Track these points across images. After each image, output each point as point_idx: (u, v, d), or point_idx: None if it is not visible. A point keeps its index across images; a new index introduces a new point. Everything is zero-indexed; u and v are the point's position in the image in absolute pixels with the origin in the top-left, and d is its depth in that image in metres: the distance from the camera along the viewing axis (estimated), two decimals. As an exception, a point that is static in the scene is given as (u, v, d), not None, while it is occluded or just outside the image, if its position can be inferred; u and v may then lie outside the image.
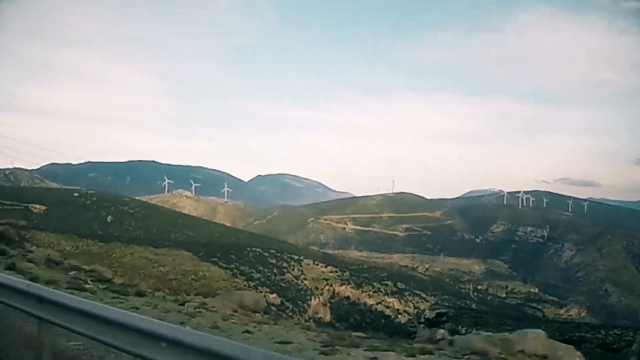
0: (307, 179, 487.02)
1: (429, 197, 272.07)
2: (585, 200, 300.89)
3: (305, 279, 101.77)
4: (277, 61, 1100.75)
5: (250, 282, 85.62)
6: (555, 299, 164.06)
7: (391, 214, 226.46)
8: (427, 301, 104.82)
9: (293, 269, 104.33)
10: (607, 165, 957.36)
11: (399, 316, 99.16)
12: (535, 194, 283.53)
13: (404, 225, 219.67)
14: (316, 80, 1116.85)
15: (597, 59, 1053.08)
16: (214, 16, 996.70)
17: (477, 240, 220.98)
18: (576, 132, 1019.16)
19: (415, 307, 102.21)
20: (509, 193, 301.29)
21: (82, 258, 55.30)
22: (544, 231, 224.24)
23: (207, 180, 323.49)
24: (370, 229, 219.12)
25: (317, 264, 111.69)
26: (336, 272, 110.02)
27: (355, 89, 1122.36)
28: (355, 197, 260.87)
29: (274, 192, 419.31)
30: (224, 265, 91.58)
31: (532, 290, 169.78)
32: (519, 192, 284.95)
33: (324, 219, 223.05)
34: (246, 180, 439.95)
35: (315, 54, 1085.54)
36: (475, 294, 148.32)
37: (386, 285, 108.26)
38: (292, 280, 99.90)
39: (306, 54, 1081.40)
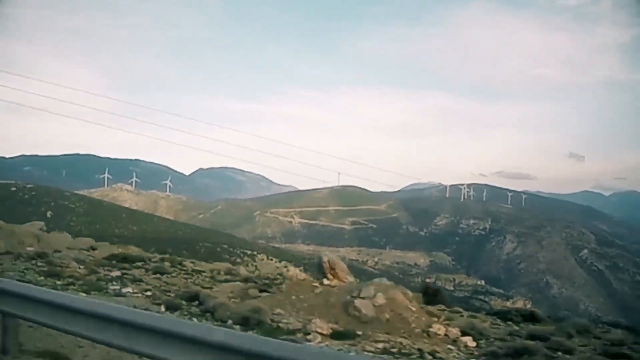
0: (250, 172, 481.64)
1: (373, 190, 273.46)
2: (523, 192, 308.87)
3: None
4: (221, 54, 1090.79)
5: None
6: (502, 291, 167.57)
7: (337, 207, 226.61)
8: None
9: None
10: (541, 158, 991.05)
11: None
12: (476, 187, 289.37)
13: (350, 219, 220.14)
14: (259, 73, 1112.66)
15: (533, 55, 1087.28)
16: (157, 9, 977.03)
17: (422, 233, 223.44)
18: (512, 127, 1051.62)
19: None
20: (450, 186, 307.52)
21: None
22: (486, 224, 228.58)
23: (147, 174, 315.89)
24: (317, 222, 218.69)
25: (271, 259, 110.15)
26: (288, 265, 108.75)
27: (299, 82, 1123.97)
28: (301, 191, 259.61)
29: (216, 186, 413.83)
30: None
31: (478, 282, 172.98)
32: (460, 185, 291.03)
33: (271, 213, 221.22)
34: (187, 173, 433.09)
35: (259, 48, 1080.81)
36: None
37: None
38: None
39: (250, 48, 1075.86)
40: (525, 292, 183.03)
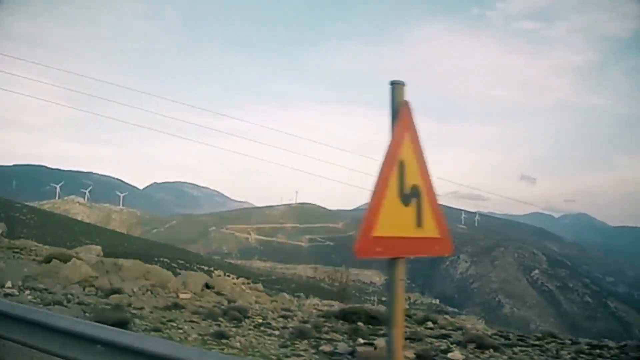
0: (206, 187, 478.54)
1: (330, 208, 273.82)
2: (477, 213, 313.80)
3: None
4: (179, 67, 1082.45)
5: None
6: (456, 310, 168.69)
7: (295, 225, 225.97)
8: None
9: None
10: (494, 179, 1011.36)
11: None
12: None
13: (307, 236, 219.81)
14: (218, 87, 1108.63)
15: (489, 76, 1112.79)
16: (115, 20, 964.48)
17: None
18: (467, 147, 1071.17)
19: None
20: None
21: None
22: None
23: (99, 187, 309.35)
24: (274, 239, 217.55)
25: (229, 275, 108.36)
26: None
27: (258, 97, 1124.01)
28: (258, 207, 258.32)
29: (170, 200, 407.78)
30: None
31: (433, 301, 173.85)
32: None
33: (227, 229, 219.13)
34: (141, 187, 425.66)
35: (219, 61, 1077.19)
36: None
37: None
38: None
39: (210, 61, 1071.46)
40: (479, 311, 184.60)
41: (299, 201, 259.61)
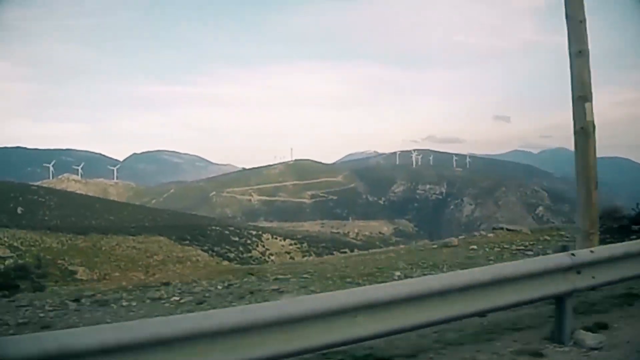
0: (185, 153, 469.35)
1: (327, 162, 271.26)
2: (468, 155, 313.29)
3: (271, 254, 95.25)
4: (142, 38, 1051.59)
5: (231, 263, 78.19)
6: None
7: (295, 182, 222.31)
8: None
9: (257, 245, 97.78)
10: (468, 122, 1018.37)
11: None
12: (422, 152, 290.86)
13: (309, 192, 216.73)
14: (184, 54, 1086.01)
15: (453, 24, 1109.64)
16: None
17: (381, 202, 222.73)
18: (438, 93, 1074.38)
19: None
20: (390, 153, 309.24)
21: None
22: (442, 188, 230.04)
23: (80, 162, 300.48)
24: (276, 198, 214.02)
25: (276, 238, 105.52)
26: (295, 244, 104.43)
27: (226, 61, 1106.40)
28: (256, 168, 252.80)
29: (152, 170, 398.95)
30: (203, 248, 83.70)
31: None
32: (400, 151, 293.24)
33: (227, 192, 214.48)
34: (121, 159, 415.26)
35: (181, 29, 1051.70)
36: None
37: (345, 252, 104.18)
38: (260, 257, 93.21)
39: (172, 29, 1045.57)
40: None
41: (294, 158, 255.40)
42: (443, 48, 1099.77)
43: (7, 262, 56.20)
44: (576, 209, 10.60)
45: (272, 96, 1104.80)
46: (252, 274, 13.77)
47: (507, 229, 19.16)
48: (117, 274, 55.76)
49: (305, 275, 12.76)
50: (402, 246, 26.55)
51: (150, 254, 73.65)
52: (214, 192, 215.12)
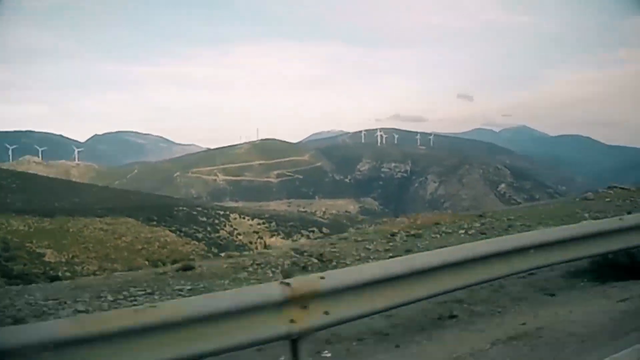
0: (148, 134, 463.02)
1: (293, 141, 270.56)
2: (431, 134, 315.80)
3: (239, 233, 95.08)
4: (105, 17, 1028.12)
5: (199, 243, 78.03)
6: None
7: (261, 161, 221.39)
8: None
9: (225, 225, 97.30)
10: (432, 101, 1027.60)
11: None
12: (386, 131, 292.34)
13: (275, 172, 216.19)
14: (149, 34, 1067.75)
15: (420, 3, 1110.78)
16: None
17: (347, 180, 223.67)
18: (402, 72, 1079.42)
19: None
20: (354, 133, 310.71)
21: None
22: (407, 166, 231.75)
23: (42, 144, 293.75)
24: (242, 178, 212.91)
25: (244, 217, 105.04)
26: (263, 223, 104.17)
27: (192, 41, 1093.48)
28: (221, 148, 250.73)
29: (115, 150, 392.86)
30: (171, 229, 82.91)
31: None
32: (365, 130, 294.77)
33: (192, 172, 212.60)
34: (82, 140, 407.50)
35: (147, 7, 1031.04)
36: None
37: (313, 231, 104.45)
38: (228, 237, 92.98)
39: (137, 8, 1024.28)
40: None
41: (260, 137, 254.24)
42: (408, 28, 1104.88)
43: (-27, 246, 55.06)
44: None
45: (237, 76, 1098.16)
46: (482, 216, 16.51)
47: (621, 188, 20.89)
48: (85, 256, 55.16)
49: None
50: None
51: (118, 235, 72.99)
52: (178, 173, 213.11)
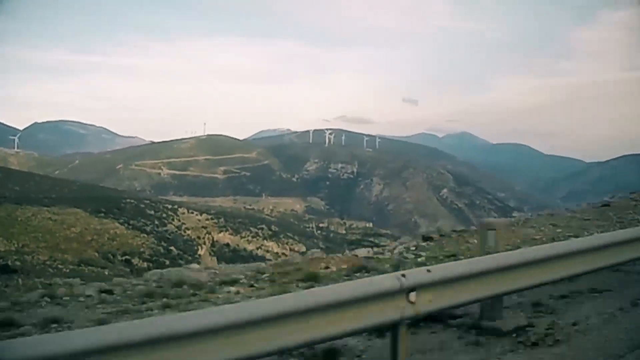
0: (91, 124, 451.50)
1: (240, 138, 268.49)
2: (377, 137, 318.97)
3: (187, 228, 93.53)
4: (50, 4, 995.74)
5: (148, 236, 76.36)
6: (389, 232, 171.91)
7: (208, 157, 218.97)
8: (298, 242, 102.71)
9: (173, 219, 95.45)
10: (379, 103, 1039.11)
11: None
12: (336, 132, 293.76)
13: (222, 168, 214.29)
14: (94, 22, 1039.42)
15: (372, 4, 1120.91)
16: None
17: (294, 179, 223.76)
18: (351, 73, 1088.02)
19: (291, 250, 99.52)
20: (303, 132, 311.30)
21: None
22: (354, 167, 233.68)
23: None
24: (187, 173, 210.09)
25: (192, 212, 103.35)
26: (212, 219, 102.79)
27: (139, 31, 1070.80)
28: (167, 142, 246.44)
29: (55, 140, 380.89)
30: (119, 221, 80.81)
31: (367, 225, 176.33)
32: (308, 130, 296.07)
33: (136, 165, 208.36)
34: (21, 128, 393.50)
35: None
36: (319, 232, 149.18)
37: (262, 229, 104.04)
38: (175, 231, 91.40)
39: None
40: (399, 232, 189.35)
41: (207, 133, 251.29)
42: (357, 28, 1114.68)
43: None
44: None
45: (184, 69, 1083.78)
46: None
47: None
48: (35, 245, 53.31)
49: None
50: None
51: (67, 225, 70.91)
52: (121, 165, 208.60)
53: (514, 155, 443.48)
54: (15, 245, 57.41)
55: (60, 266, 52.42)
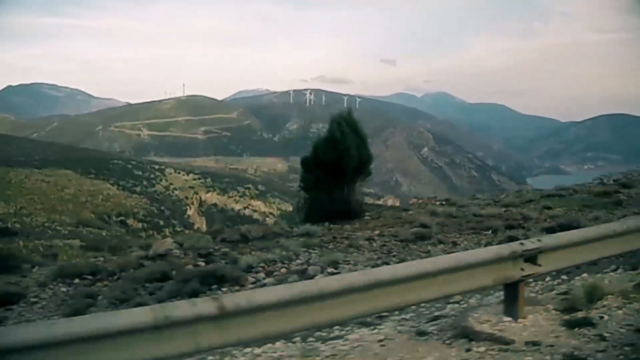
0: (65, 87, 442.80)
1: (220, 98, 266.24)
2: (357, 96, 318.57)
3: (175, 188, 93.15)
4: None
5: (140, 197, 76.10)
6: (372, 190, 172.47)
7: (188, 118, 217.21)
8: (286, 202, 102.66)
9: (161, 180, 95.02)
10: (356, 63, 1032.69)
11: (267, 219, 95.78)
12: (315, 92, 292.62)
13: (202, 128, 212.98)
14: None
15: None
16: None
17: (276, 139, 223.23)
18: (329, 33, 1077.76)
19: (278, 209, 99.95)
20: (282, 92, 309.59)
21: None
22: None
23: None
24: (167, 134, 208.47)
25: (179, 172, 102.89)
26: (199, 179, 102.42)
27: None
28: (146, 102, 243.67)
29: (29, 103, 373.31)
30: (110, 182, 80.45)
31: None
32: (291, 90, 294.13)
33: (115, 127, 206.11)
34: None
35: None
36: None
37: (249, 188, 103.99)
38: (164, 191, 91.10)
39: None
40: (379, 190, 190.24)
41: (187, 94, 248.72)
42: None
43: None
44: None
45: (159, 31, 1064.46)
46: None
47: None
48: (33, 207, 53.01)
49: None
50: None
51: (60, 187, 70.36)
52: (100, 127, 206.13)
53: (491, 115, 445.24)
54: (14, 208, 56.95)
55: (59, 228, 52.25)
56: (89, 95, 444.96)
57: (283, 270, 10.12)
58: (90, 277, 10.25)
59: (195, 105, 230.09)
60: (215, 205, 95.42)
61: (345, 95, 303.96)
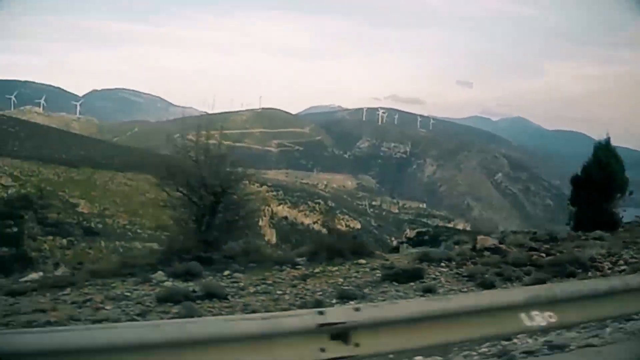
0: (147, 93, 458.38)
1: (294, 113, 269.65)
2: (431, 118, 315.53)
3: (249, 199, 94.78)
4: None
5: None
6: (443, 213, 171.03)
7: (262, 130, 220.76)
8: (354, 219, 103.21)
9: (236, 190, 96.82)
10: (431, 84, 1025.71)
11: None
12: (388, 111, 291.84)
13: (276, 141, 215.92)
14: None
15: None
16: None
17: (346, 156, 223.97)
18: (403, 52, 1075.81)
19: (346, 226, 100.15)
20: (354, 109, 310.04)
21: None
22: (406, 147, 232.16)
23: (39, 95, 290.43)
24: (242, 144, 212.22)
25: (253, 184, 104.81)
26: (272, 191, 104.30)
27: (196, 5, 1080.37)
28: (224, 113, 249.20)
29: (112, 107, 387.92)
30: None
31: (420, 205, 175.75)
32: (365, 108, 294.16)
33: (192, 135, 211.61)
34: (80, 95, 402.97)
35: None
36: (371, 210, 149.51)
37: (319, 203, 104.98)
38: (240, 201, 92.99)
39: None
40: (452, 214, 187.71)
41: (261, 106, 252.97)
42: (411, 8, 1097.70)
43: (10, 191, 54.75)
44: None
45: (239, 43, 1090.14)
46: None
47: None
48: (115, 209, 55.20)
49: None
50: None
51: (142, 191, 72.86)
52: (178, 135, 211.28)
53: (569, 143, 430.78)
54: (98, 209, 59.45)
55: (139, 231, 54.19)
56: (169, 102, 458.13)
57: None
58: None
59: (269, 117, 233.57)
60: (285, 218, 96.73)
61: (418, 115, 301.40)
